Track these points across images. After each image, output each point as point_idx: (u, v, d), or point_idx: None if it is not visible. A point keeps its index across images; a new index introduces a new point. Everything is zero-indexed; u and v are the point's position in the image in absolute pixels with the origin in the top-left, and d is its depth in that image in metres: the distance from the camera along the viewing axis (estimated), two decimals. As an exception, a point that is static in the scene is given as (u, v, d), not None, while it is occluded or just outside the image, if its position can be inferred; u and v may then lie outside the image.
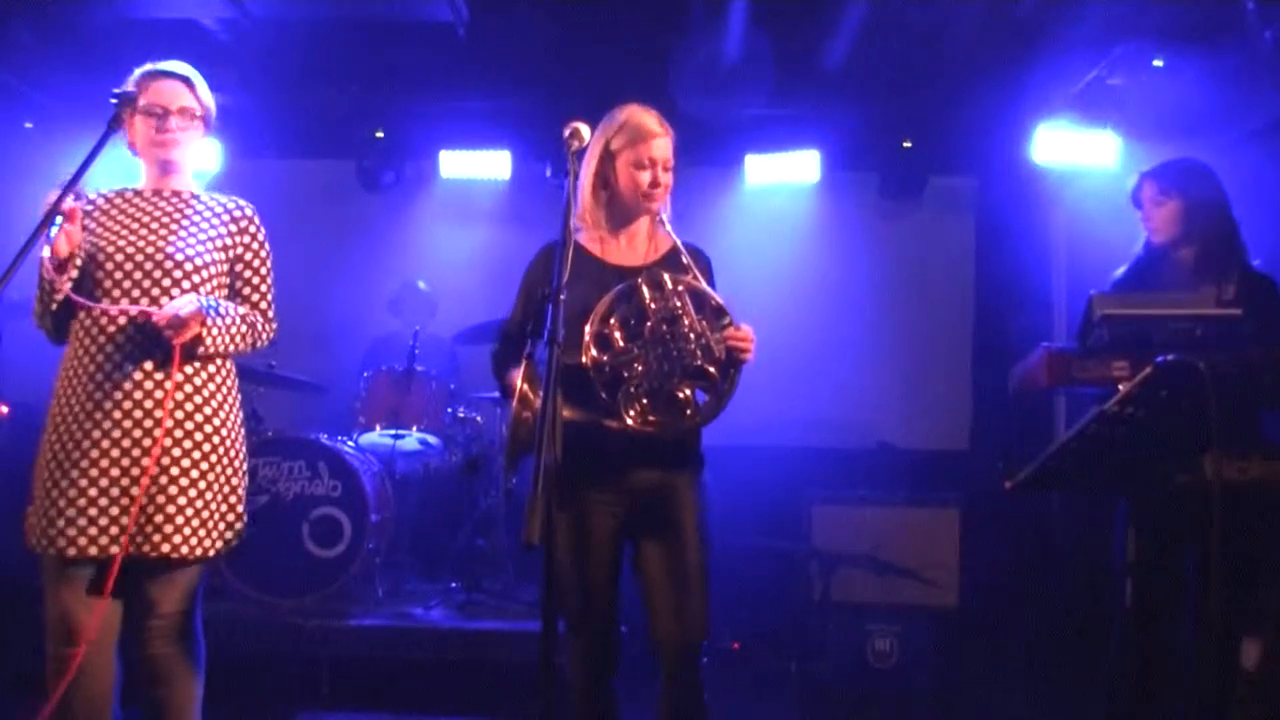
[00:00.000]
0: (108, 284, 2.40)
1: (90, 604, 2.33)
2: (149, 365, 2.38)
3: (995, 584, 4.87)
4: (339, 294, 5.55)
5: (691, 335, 2.41)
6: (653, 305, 2.43)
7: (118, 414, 2.35)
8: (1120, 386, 2.26)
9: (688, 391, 2.42)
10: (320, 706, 3.85)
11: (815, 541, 4.69)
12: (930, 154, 5.48)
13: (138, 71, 2.52)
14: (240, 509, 2.52)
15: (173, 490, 2.36)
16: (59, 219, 2.26)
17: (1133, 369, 2.46)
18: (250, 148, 5.36)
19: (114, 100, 2.36)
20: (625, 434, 2.38)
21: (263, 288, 2.60)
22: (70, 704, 2.35)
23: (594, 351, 2.39)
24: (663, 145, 2.53)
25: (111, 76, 2.53)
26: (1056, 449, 2.34)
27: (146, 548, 2.33)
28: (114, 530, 2.31)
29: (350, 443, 4.60)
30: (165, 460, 2.36)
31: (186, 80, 2.52)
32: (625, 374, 2.39)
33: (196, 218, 2.52)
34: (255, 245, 2.59)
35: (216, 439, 2.44)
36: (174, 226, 2.48)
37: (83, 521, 2.31)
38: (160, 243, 2.44)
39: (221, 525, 2.44)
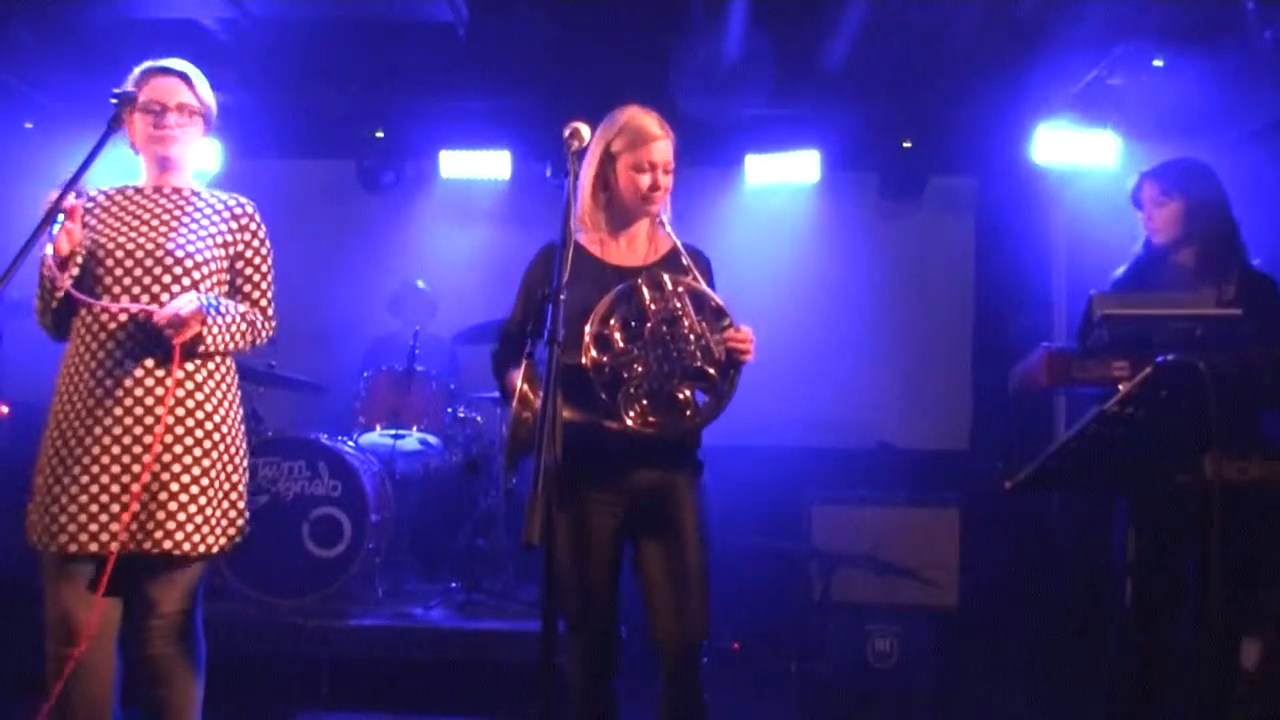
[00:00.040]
0: (108, 281, 2.40)
1: (90, 602, 2.33)
2: (150, 362, 2.38)
3: (995, 584, 4.87)
4: (339, 294, 5.55)
5: (691, 336, 2.41)
6: (653, 306, 2.43)
7: (119, 411, 2.35)
8: (1120, 386, 2.26)
9: (687, 392, 2.42)
10: (320, 706, 3.85)
11: (815, 541, 4.69)
12: (930, 154, 5.48)
13: (137, 69, 2.52)
14: (242, 505, 2.52)
15: (174, 487, 2.36)
16: (60, 216, 2.26)
17: (1133, 369, 2.46)
18: (250, 148, 5.36)
19: (114, 100, 2.36)
20: (625, 434, 2.38)
21: (263, 285, 2.61)
22: (70, 703, 2.34)
23: (594, 352, 2.39)
24: (663, 148, 2.53)
25: (111, 76, 2.53)
26: (1056, 449, 2.34)
27: (148, 544, 2.33)
28: (114, 527, 2.31)
29: (350, 443, 4.60)
30: (166, 457, 2.36)
31: (184, 77, 2.52)
32: (625, 375, 2.39)
33: (197, 214, 2.52)
34: (256, 242, 2.59)
35: (217, 436, 2.45)
36: (174, 223, 2.48)
37: (83, 518, 2.31)
38: (160, 239, 2.45)
39: (224, 522, 2.45)
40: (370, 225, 5.81)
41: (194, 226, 2.49)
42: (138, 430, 2.35)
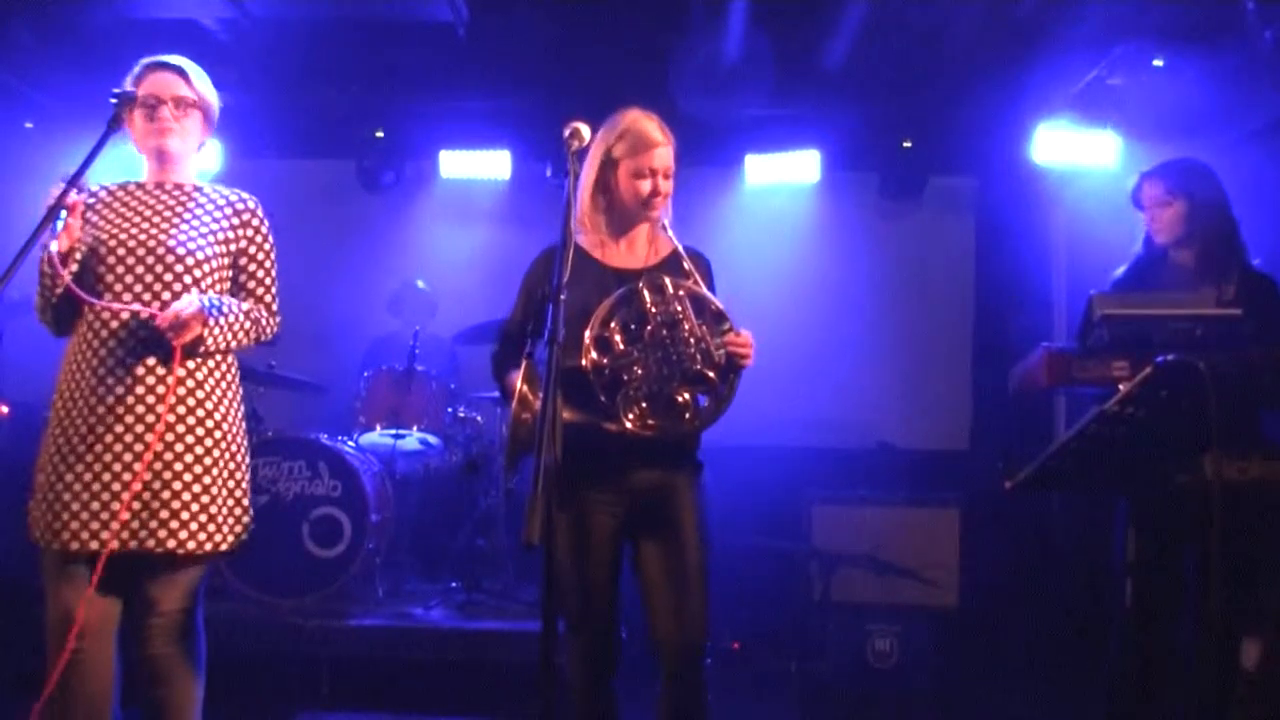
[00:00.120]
0: (109, 278, 2.40)
1: (90, 600, 2.32)
2: (151, 361, 2.38)
3: (995, 584, 4.87)
4: (339, 294, 5.54)
5: (691, 340, 2.41)
6: (653, 309, 2.43)
7: (120, 409, 2.35)
8: (1120, 386, 2.26)
9: (687, 395, 2.42)
10: (320, 706, 3.85)
11: (815, 541, 4.69)
12: (930, 154, 5.48)
13: (136, 66, 2.52)
14: (246, 504, 2.51)
15: (177, 485, 2.36)
16: (63, 213, 2.26)
17: (1133, 369, 2.46)
18: (250, 148, 5.37)
19: (114, 100, 2.36)
20: (624, 435, 2.38)
21: (266, 280, 2.60)
22: (69, 702, 2.34)
23: (594, 354, 2.39)
24: (664, 154, 2.53)
25: (111, 76, 2.53)
26: (1056, 449, 2.34)
27: (151, 542, 2.33)
28: (115, 525, 2.31)
29: (350, 443, 4.61)
30: (168, 455, 2.36)
31: (181, 71, 2.51)
32: (625, 377, 2.39)
33: (198, 210, 2.51)
34: (258, 238, 2.58)
35: (218, 434, 2.44)
36: (175, 220, 2.48)
37: (85, 515, 2.31)
38: (161, 236, 2.44)
39: (230, 520, 2.45)
40: (370, 225, 5.81)
41: (195, 223, 2.49)
42: (139, 429, 2.35)
